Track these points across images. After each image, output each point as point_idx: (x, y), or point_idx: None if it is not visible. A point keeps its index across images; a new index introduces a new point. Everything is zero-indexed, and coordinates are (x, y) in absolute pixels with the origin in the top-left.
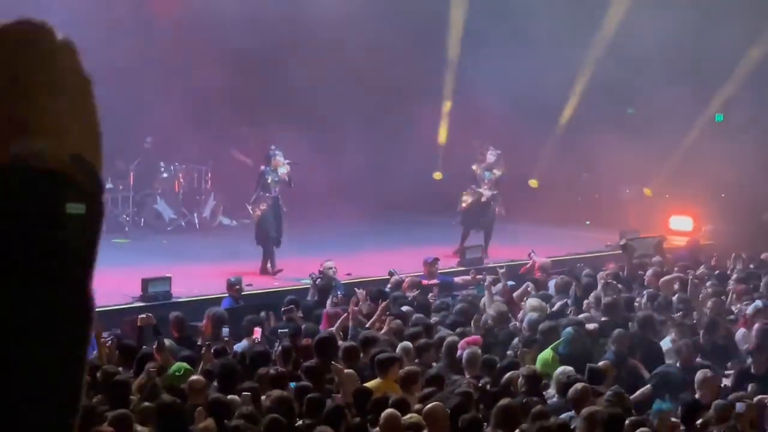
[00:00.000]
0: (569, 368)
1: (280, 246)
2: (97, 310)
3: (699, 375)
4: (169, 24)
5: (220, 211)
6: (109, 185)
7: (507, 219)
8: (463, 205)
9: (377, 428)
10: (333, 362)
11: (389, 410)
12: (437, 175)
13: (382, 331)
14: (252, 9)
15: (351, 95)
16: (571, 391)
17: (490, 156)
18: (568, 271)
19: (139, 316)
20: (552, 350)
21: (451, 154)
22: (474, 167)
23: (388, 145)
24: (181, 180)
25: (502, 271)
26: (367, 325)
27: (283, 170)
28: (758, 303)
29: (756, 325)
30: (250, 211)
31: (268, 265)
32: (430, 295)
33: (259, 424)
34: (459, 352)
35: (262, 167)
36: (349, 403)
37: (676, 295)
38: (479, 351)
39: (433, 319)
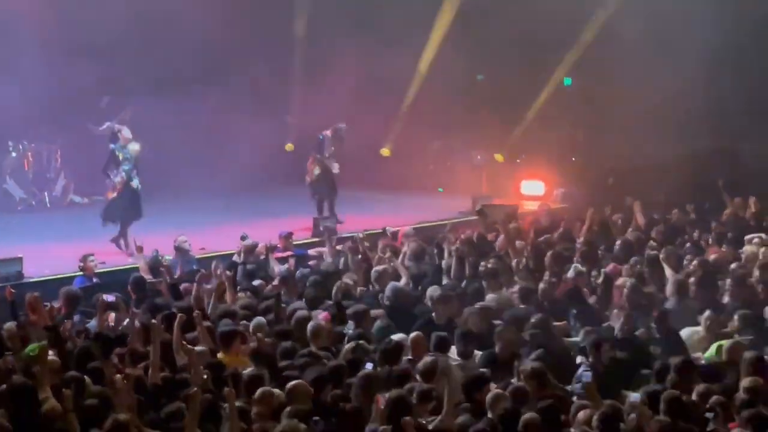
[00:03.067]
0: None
1: (139, 219)
2: None
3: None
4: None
5: (71, 189)
6: None
7: (360, 188)
8: (313, 176)
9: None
10: (183, 343)
11: (264, 389)
12: (289, 147)
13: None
14: None
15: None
16: None
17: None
18: (431, 239)
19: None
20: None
21: (303, 126)
22: (326, 133)
23: (239, 118)
24: (30, 159)
25: (361, 237)
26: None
27: (134, 147)
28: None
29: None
30: (111, 189)
31: (122, 242)
32: (286, 265)
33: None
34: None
35: (111, 145)
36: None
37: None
38: (325, 324)
39: None
